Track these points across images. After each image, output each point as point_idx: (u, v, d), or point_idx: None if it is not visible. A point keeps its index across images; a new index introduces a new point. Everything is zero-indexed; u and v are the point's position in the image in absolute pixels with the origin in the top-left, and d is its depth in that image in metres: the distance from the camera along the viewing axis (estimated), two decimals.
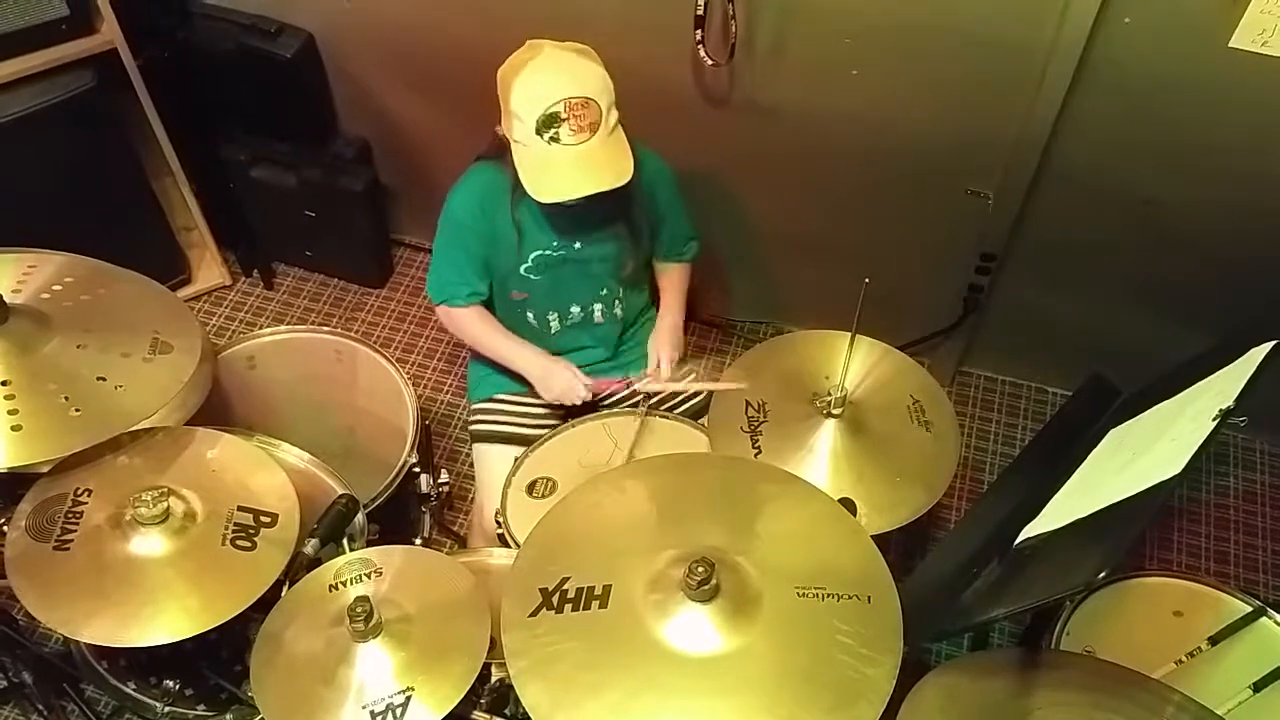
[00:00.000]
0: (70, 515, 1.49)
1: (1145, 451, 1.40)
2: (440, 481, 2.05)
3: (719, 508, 1.50)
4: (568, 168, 1.79)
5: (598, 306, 2.10)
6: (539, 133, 1.77)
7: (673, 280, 2.19)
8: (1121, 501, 1.33)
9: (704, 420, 1.98)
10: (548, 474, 1.93)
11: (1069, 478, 1.48)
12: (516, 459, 1.97)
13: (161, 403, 1.58)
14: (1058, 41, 1.93)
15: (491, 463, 2.11)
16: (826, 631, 1.33)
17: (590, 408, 2.05)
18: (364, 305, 2.92)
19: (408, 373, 2.09)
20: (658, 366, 2.06)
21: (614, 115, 1.81)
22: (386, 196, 2.85)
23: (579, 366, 2.05)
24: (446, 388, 2.75)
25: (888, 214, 2.41)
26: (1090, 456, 1.50)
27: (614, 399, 2.12)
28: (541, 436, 2.00)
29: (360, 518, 1.69)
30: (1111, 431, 1.53)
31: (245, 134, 2.70)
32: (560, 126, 1.76)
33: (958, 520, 2.45)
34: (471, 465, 2.27)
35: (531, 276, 2.02)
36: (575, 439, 2.01)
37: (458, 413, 2.68)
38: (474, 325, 2.08)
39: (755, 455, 1.73)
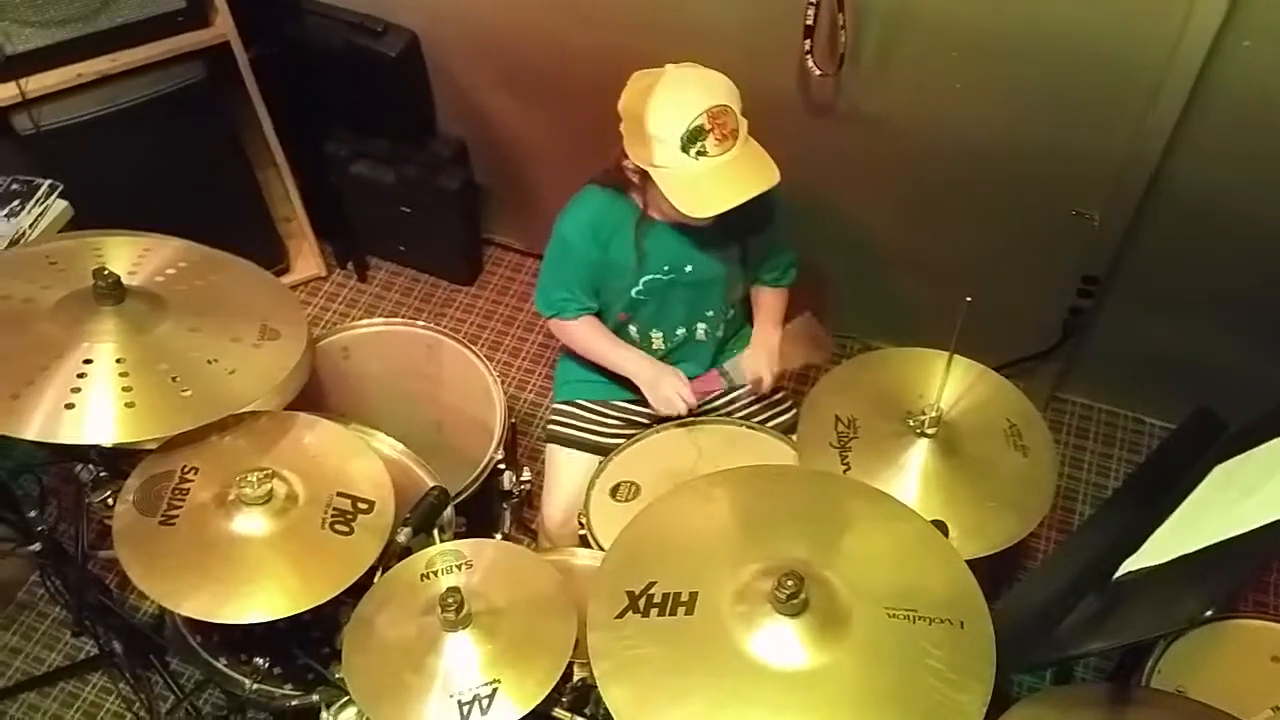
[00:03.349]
0: (177, 492, 1.53)
1: (1255, 490, 1.35)
2: (522, 479, 2.07)
3: (806, 522, 1.48)
4: (719, 179, 1.77)
5: (701, 326, 2.10)
6: (684, 150, 1.74)
7: (771, 304, 2.15)
8: (1228, 540, 1.28)
9: (793, 435, 1.96)
10: (631, 478, 1.94)
11: (1172, 512, 1.44)
12: (601, 461, 1.98)
13: (268, 387, 1.61)
14: (1173, 62, 1.88)
15: (561, 465, 2.12)
16: (916, 654, 1.31)
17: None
18: (453, 301, 2.97)
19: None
20: (759, 381, 2.05)
21: (744, 121, 1.80)
22: (480, 196, 2.89)
23: None
24: (530, 386, 2.78)
25: (988, 231, 2.37)
26: (1195, 492, 1.46)
27: (711, 401, 2.11)
28: (623, 443, 2.01)
29: (450, 510, 1.71)
30: (1218, 467, 1.47)
31: (347, 130, 2.76)
32: (705, 139, 1.74)
33: (1047, 550, 2.39)
34: None
35: (641, 298, 2.02)
36: (659, 445, 2.01)
37: (540, 411, 2.70)
38: (585, 335, 2.08)
39: (844, 471, 1.71)
